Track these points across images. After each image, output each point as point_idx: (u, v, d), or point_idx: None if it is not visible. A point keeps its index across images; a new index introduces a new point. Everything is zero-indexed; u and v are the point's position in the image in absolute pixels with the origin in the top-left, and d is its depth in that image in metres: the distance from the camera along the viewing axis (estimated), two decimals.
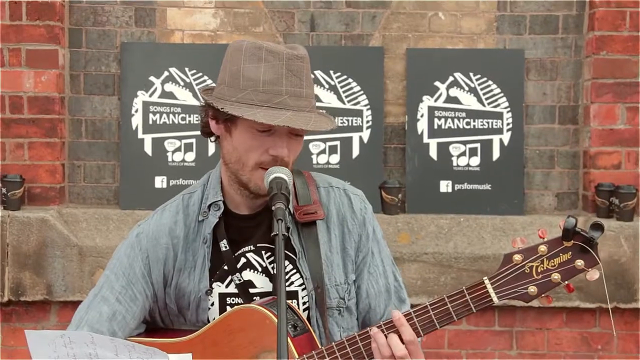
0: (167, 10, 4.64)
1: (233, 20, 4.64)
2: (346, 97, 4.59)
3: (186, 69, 4.60)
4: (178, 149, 4.58)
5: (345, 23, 4.65)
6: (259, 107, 2.15)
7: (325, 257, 2.31)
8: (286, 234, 2.03)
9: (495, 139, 4.61)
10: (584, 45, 4.59)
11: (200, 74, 4.59)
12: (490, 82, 4.60)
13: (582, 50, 4.61)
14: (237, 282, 2.29)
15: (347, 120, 4.58)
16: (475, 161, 4.60)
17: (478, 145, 4.60)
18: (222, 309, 2.30)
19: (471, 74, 4.60)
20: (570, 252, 2.01)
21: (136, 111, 4.58)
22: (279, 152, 2.18)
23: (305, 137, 4.37)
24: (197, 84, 4.58)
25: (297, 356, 2.14)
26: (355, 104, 4.60)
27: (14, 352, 4.39)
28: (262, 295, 2.30)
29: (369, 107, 4.59)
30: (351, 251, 2.36)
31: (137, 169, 4.57)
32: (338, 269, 2.33)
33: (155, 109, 4.59)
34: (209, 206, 2.31)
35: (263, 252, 2.31)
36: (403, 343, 2.11)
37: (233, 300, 2.30)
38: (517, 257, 2.04)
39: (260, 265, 2.32)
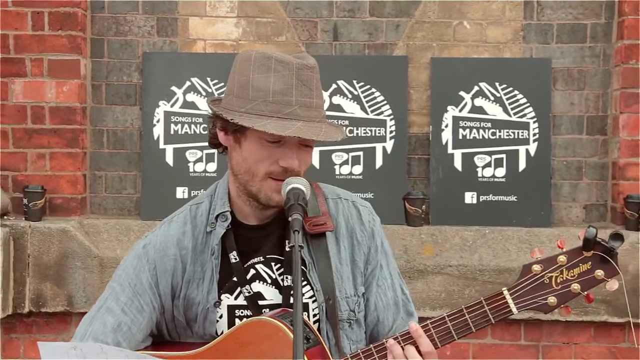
0: (189, 20, 4.61)
1: (255, 30, 4.61)
2: (369, 107, 4.53)
3: (208, 79, 4.57)
4: (199, 160, 4.55)
5: (368, 32, 4.60)
6: (269, 117, 2.13)
7: (335, 269, 2.28)
8: (303, 245, 1.99)
9: (522, 149, 4.53)
10: (612, 54, 4.51)
11: (222, 83, 4.55)
12: (516, 92, 4.53)
13: (610, 59, 4.52)
14: (247, 294, 2.26)
15: (371, 131, 4.53)
16: (501, 172, 4.53)
17: (504, 156, 4.53)
18: (230, 321, 2.26)
19: (497, 84, 4.53)
20: (590, 262, 2.00)
21: (158, 121, 4.56)
22: (290, 163, 2.15)
23: (328, 148, 4.36)
24: (219, 94, 4.55)
25: None
26: (378, 114, 4.54)
27: None
28: (272, 307, 2.26)
29: (392, 117, 4.53)
30: (360, 263, 2.33)
31: (158, 179, 4.54)
32: (348, 281, 2.30)
33: (177, 119, 4.56)
34: (217, 217, 2.28)
35: (272, 263, 2.28)
36: (420, 355, 2.09)
37: (242, 312, 2.27)
38: (537, 268, 2.04)
39: (270, 277, 2.28)
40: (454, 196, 4.51)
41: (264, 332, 2.12)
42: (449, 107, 4.54)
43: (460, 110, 4.53)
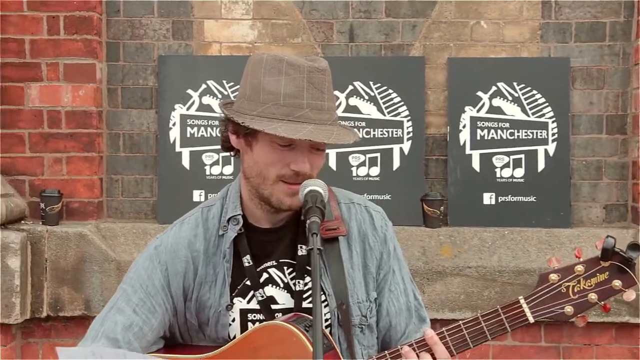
0: (205, 23, 4.60)
1: (271, 32, 4.59)
2: (386, 108, 4.50)
3: (224, 82, 4.55)
4: (216, 162, 4.53)
5: (385, 33, 4.57)
6: (280, 120, 2.11)
7: (348, 274, 2.27)
8: (321, 248, 1.97)
9: (540, 149, 4.48)
10: (632, 52, 4.46)
11: (238, 86, 4.51)
12: (534, 92, 4.48)
13: (630, 57, 4.47)
14: (260, 298, 2.24)
15: (388, 132, 4.50)
16: (520, 172, 4.48)
17: (522, 156, 4.48)
18: (243, 325, 2.25)
19: (515, 84, 4.49)
20: (607, 272, 2.01)
21: (174, 124, 4.55)
22: (301, 166, 2.14)
23: (344, 150, 4.34)
24: (235, 97, 4.52)
25: None
26: (395, 115, 4.51)
27: None
28: (284, 311, 2.25)
29: (409, 118, 4.50)
30: (372, 268, 2.32)
31: (175, 182, 4.53)
32: (360, 287, 2.29)
33: (193, 122, 4.55)
34: (228, 220, 2.26)
35: (285, 267, 2.26)
36: None
37: (254, 316, 2.25)
38: (554, 277, 2.03)
39: (282, 281, 2.27)
40: (472, 197, 4.48)
41: (278, 336, 2.11)
42: (466, 108, 4.50)
43: (478, 111, 4.50)
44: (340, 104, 4.46)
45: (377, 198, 4.42)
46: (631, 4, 4.46)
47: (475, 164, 4.49)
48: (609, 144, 4.54)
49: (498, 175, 4.49)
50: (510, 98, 4.49)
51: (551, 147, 4.48)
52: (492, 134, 4.49)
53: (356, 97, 4.49)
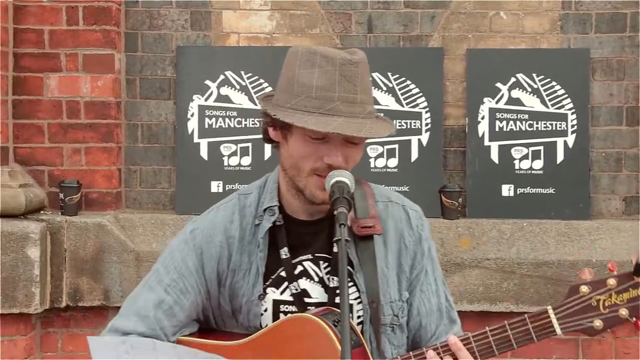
0: (223, 13, 4.60)
1: (289, 23, 4.58)
2: (404, 99, 4.49)
3: (242, 72, 4.55)
4: (234, 153, 4.54)
5: (403, 24, 4.55)
6: (311, 113, 2.11)
7: (382, 273, 2.26)
8: (349, 239, 1.97)
9: (560, 141, 4.47)
10: None
11: (257, 77, 4.54)
12: (554, 83, 4.46)
13: None
14: (294, 290, 2.24)
15: (406, 123, 4.49)
16: (539, 164, 4.47)
17: (541, 147, 4.47)
18: (275, 316, 2.25)
19: (534, 75, 4.47)
20: None
21: (192, 115, 4.55)
22: (333, 160, 2.12)
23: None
24: (252, 87, 4.53)
25: None
26: (413, 107, 4.50)
27: (73, 357, 4.39)
28: (317, 305, 2.24)
29: (428, 109, 4.49)
30: (406, 267, 2.30)
31: (193, 173, 4.54)
32: (393, 286, 2.28)
33: (211, 112, 4.55)
34: (264, 210, 2.26)
35: (321, 262, 2.26)
36: None
37: (287, 307, 2.25)
38: (584, 289, 1.96)
39: (317, 275, 2.26)
40: (491, 189, 4.47)
41: (307, 329, 2.10)
42: (485, 99, 4.48)
43: (497, 102, 4.48)
44: None
45: (395, 190, 4.41)
46: None
47: (494, 156, 4.48)
48: (629, 136, 4.51)
49: (517, 167, 4.48)
50: (529, 89, 4.47)
51: (570, 139, 4.47)
52: (511, 126, 4.48)
53: (374, 88, 4.48)
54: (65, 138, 4.45)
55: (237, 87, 4.54)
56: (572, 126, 4.46)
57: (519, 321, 2.01)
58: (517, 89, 4.48)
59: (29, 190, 4.29)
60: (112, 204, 4.47)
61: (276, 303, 2.25)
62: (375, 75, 4.48)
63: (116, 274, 4.27)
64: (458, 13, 4.53)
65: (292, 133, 2.16)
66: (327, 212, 2.23)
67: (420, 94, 4.49)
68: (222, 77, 4.55)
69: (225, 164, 4.54)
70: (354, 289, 2.24)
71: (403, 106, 4.50)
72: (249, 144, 4.53)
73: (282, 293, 2.25)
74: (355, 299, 2.24)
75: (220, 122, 4.55)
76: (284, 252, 2.24)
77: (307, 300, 2.24)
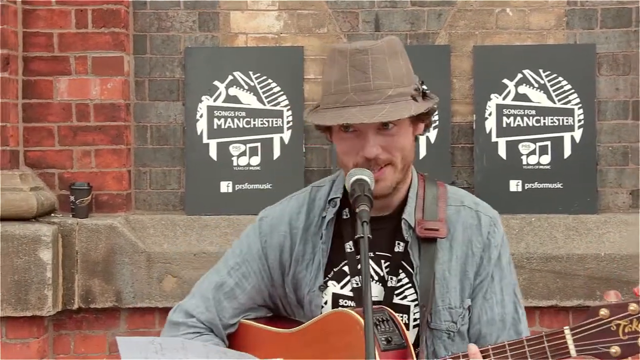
0: (231, 14, 4.62)
1: (297, 22, 4.61)
2: None
3: (250, 73, 4.57)
4: (243, 153, 4.56)
5: (410, 22, 4.58)
6: (330, 109, 2.13)
7: (443, 277, 2.21)
8: (370, 236, 1.98)
9: (567, 136, 4.49)
10: None
11: (265, 77, 4.56)
12: (560, 79, 4.49)
13: None
14: (355, 285, 2.23)
15: None
16: (546, 159, 4.50)
17: (548, 143, 4.50)
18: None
19: (540, 71, 4.50)
20: None
21: (201, 116, 4.57)
22: (367, 152, 2.11)
23: None
24: (261, 88, 4.55)
25: None
26: None
27: (85, 358, 4.41)
28: (374, 304, 2.17)
29: (435, 106, 4.50)
30: (471, 274, 2.23)
31: (202, 174, 4.56)
32: (455, 292, 2.22)
33: (220, 113, 4.57)
34: (329, 202, 2.28)
35: (382, 260, 2.24)
36: None
37: (346, 302, 2.24)
38: (604, 312, 1.84)
39: (377, 274, 2.24)
40: (499, 184, 4.49)
41: (347, 325, 2.10)
42: (492, 95, 4.51)
43: (504, 98, 4.51)
44: None
45: None
46: None
47: (502, 152, 4.51)
48: (635, 130, 4.54)
49: (524, 162, 4.50)
50: (536, 85, 4.50)
51: (577, 134, 4.49)
52: (518, 121, 4.50)
53: None
54: (75, 141, 4.46)
55: (246, 87, 4.57)
56: (579, 121, 4.49)
57: (536, 338, 1.94)
58: (524, 84, 4.50)
59: (39, 194, 4.31)
60: (122, 205, 4.49)
61: (336, 297, 2.25)
62: None
63: (128, 275, 4.29)
64: (464, 10, 4.56)
65: (331, 132, 2.21)
66: (392, 211, 2.24)
67: (428, 91, 4.50)
68: (230, 77, 4.57)
69: (235, 164, 4.56)
70: (411, 290, 2.21)
71: None
72: (258, 144, 4.55)
73: (342, 287, 2.25)
74: (413, 300, 2.21)
75: (229, 123, 4.57)
76: (349, 246, 2.24)
77: None
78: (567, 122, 4.49)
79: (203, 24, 4.63)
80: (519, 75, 4.50)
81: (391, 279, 2.22)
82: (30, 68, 4.43)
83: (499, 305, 2.23)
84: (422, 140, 4.50)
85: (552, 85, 4.49)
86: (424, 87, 2.27)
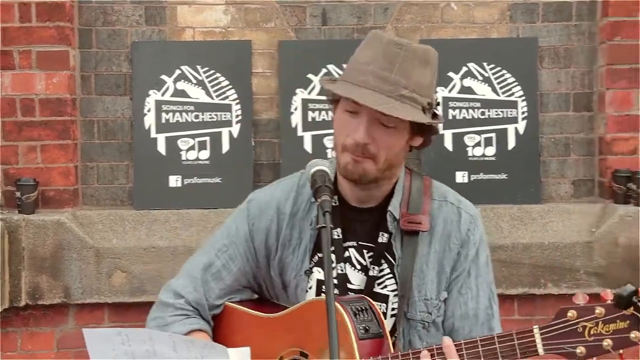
0: (177, 8, 4.60)
1: (244, 16, 4.61)
2: None
3: (198, 67, 4.57)
4: (192, 148, 4.55)
5: (357, 16, 4.62)
6: (345, 82, 2.18)
7: (420, 269, 2.28)
8: (332, 226, 2.03)
9: (511, 128, 4.58)
10: (597, 31, 4.57)
11: (213, 71, 4.56)
12: (504, 72, 4.58)
13: (595, 36, 4.59)
14: (340, 271, 2.29)
15: None
16: (491, 151, 4.58)
17: (493, 134, 4.58)
18: (318, 295, 2.30)
19: (485, 64, 4.58)
20: (628, 322, 1.89)
21: (148, 110, 4.55)
22: (356, 135, 2.14)
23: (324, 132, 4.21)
24: (209, 82, 4.55)
25: (357, 357, 2.10)
26: None
27: (33, 356, 4.36)
28: (355, 292, 2.28)
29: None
30: (447, 268, 2.30)
31: (150, 168, 4.54)
32: (431, 284, 2.29)
33: (168, 107, 4.56)
34: None
35: (365, 250, 2.31)
36: None
37: None
38: (572, 313, 1.94)
39: (360, 263, 2.31)
40: (446, 176, 4.54)
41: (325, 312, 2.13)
42: (438, 88, 4.57)
43: (450, 91, 4.58)
44: (314, 87, 4.51)
45: None
46: None
47: (448, 144, 4.58)
48: (576, 121, 4.65)
49: (470, 154, 4.58)
50: (480, 78, 4.58)
51: (521, 126, 4.59)
52: (464, 114, 4.58)
53: None
54: (20, 136, 4.40)
55: (194, 81, 4.56)
56: (523, 113, 4.58)
57: (506, 335, 2.02)
58: (469, 78, 4.58)
59: None
60: (69, 201, 4.44)
61: (320, 283, 2.30)
62: (331, 67, 4.54)
63: (76, 271, 4.26)
64: (410, 4, 4.61)
65: (337, 106, 2.25)
66: (377, 203, 2.29)
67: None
68: (178, 71, 4.56)
69: (183, 158, 4.55)
70: (392, 281, 2.28)
71: None
72: (207, 138, 4.55)
73: (321, 273, 2.28)
74: (392, 291, 2.28)
75: (178, 117, 4.56)
76: (337, 233, 2.29)
77: (348, 285, 2.29)
78: (511, 114, 4.58)
79: (150, 18, 4.60)
80: (464, 69, 4.58)
81: (373, 268, 2.29)
82: None
83: (474, 301, 2.31)
84: None
85: (496, 78, 4.58)
86: (438, 109, 2.30)
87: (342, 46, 4.57)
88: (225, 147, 4.54)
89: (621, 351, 1.93)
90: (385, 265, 2.29)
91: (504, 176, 4.57)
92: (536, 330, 1.98)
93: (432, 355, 2.07)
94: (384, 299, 2.28)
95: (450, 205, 2.36)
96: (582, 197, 4.66)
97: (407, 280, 2.25)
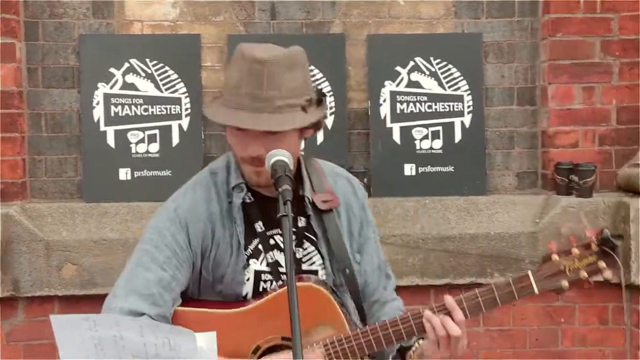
0: (126, 1, 4.59)
1: (193, 10, 4.62)
2: None
3: (147, 60, 4.56)
4: (141, 140, 4.55)
5: (306, 10, 4.66)
6: (226, 107, 2.34)
7: (339, 241, 2.51)
8: (293, 215, 2.13)
9: (457, 121, 4.67)
10: (539, 27, 4.68)
11: (162, 64, 4.56)
12: (450, 66, 4.67)
13: (538, 32, 4.70)
14: (270, 260, 2.45)
15: None
16: (438, 144, 4.66)
17: (440, 128, 4.66)
18: (256, 285, 2.46)
19: (431, 58, 4.66)
20: (596, 256, 2.45)
21: (97, 103, 4.53)
22: (250, 151, 2.33)
23: None
24: (158, 75, 4.55)
25: (349, 332, 2.37)
26: None
27: None
28: (283, 274, 2.46)
29: (332, 93, 4.62)
30: (355, 233, 2.57)
31: (100, 161, 4.52)
32: (350, 251, 2.54)
33: (117, 100, 4.55)
34: (233, 188, 2.45)
35: None
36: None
37: (266, 277, 2.47)
38: (555, 257, 2.45)
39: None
40: (394, 169, 4.63)
41: (308, 295, 2.31)
42: (386, 82, 4.65)
43: (397, 85, 4.65)
44: None
45: None
46: None
47: (396, 137, 4.65)
48: (520, 115, 4.76)
49: (418, 147, 4.66)
50: (427, 72, 4.66)
51: (467, 119, 4.68)
52: (411, 107, 4.66)
53: None
54: None
55: (143, 74, 4.55)
56: (468, 107, 4.68)
57: (504, 284, 2.41)
58: (416, 72, 4.66)
59: None
60: (17, 194, 4.40)
61: (257, 274, 2.46)
62: None
63: (25, 264, 4.23)
64: (358, 0, 4.67)
65: (225, 125, 2.40)
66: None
67: (324, 79, 4.61)
68: (127, 64, 4.55)
69: (133, 151, 4.54)
70: (318, 257, 2.51)
71: None
72: (157, 131, 4.55)
73: (261, 263, 2.46)
74: (320, 265, 2.51)
75: (127, 110, 4.55)
76: (259, 226, 2.46)
77: (280, 269, 2.45)
78: (457, 108, 4.67)
79: (97, 10, 4.58)
80: (411, 63, 4.65)
81: (298, 251, 2.49)
82: None
83: (376, 256, 2.64)
84: None
85: (442, 73, 4.66)
86: (321, 95, 2.46)
87: (291, 41, 4.50)
88: (175, 140, 4.55)
89: (593, 278, 2.45)
90: (307, 244, 2.50)
91: (450, 169, 4.66)
92: (531, 275, 2.41)
93: (434, 313, 2.36)
94: (314, 274, 2.51)
95: (341, 177, 2.63)
96: (526, 189, 4.78)
97: (342, 254, 2.48)
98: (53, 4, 4.55)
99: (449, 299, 2.39)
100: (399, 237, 4.37)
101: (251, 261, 2.45)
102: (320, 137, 4.59)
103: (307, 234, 2.50)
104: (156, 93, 4.55)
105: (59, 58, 4.58)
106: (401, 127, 4.65)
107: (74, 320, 1.77)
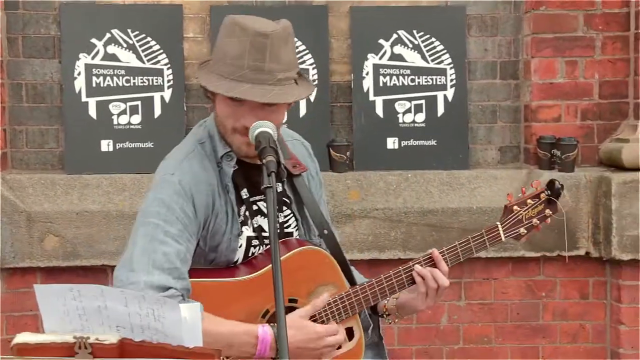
0: None
1: None
2: None
3: (129, 30, 4.52)
4: (123, 112, 4.52)
5: None
6: (224, 78, 2.38)
7: (310, 202, 2.64)
8: (278, 186, 2.20)
9: (440, 95, 4.67)
10: (523, 1, 4.68)
11: (144, 35, 4.52)
12: (433, 39, 4.65)
13: (521, 6, 4.70)
14: (255, 225, 2.54)
15: None
16: (421, 117, 4.67)
17: (423, 101, 4.66)
18: (246, 250, 2.55)
19: (414, 31, 4.64)
20: (543, 204, 2.77)
21: (79, 74, 4.50)
22: (248, 122, 2.37)
23: None
24: (140, 45, 4.52)
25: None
26: (300, 63, 4.58)
27: None
28: (266, 238, 2.56)
29: (314, 66, 4.60)
30: (319, 192, 2.75)
31: (81, 133, 4.49)
32: (319, 209, 2.67)
33: (99, 71, 4.51)
34: (222, 157, 2.51)
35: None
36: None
37: (254, 242, 2.55)
38: (516, 208, 2.77)
39: (265, 212, 2.56)
40: (377, 142, 4.63)
41: (312, 258, 2.55)
42: (369, 55, 4.63)
43: (380, 58, 4.64)
44: None
45: None
46: None
47: (379, 110, 4.65)
48: (503, 89, 4.77)
49: (400, 120, 4.66)
50: (410, 45, 4.65)
51: (450, 93, 4.68)
52: (394, 81, 4.65)
53: None
54: None
55: (124, 45, 4.51)
56: (451, 80, 4.67)
57: (478, 235, 2.71)
58: (399, 45, 4.64)
59: None
60: None
61: (248, 239, 2.55)
62: None
63: (7, 235, 4.20)
64: None
65: (216, 95, 2.44)
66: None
67: (307, 51, 4.59)
68: (108, 35, 4.51)
69: (115, 122, 4.52)
70: (293, 219, 2.63)
71: None
72: (139, 102, 4.52)
73: (250, 230, 2.55)
74: (294, 227, 2.64)
75: (109, 81, 4.52)
76: (244, 193, 2.54)
77: (263, 234, 2.55)
78: (440, 82, 4.67)
79: None
80: (394, 36, 4.63)
81: (279, 216, 2.59)
82: None
83: (326, 208, 2.82)
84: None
85: (425, 46, 4.65)
86: (305, 73, 2.66)
87: (274, 12, 4.58)
88: (157, 111, 4.52)
89: (541, 223, 2.77)
90: (285, 208, 2.62)
91: (433, 142, 4.67)
92: (500, 226, 2.72)
93: (421, 266, 2.59)
94: (289, 236, 2.63)
95: (297, 141, 2.77)
96: (508, 163, 4.79)
97: (319, 216, 2.62)
98: None
99: (436, 252, 2.62)
100: (382, 211, 4.38)
101: (244, 228, 2.53)
102: (302, 109, 4.59)
103: (284, 198, 2.62)
104: (138, 64, 4.52)
105: (39, 27, 4.53)
106: (384, 100, 4.64)
107: (58, 290, 1.77)
